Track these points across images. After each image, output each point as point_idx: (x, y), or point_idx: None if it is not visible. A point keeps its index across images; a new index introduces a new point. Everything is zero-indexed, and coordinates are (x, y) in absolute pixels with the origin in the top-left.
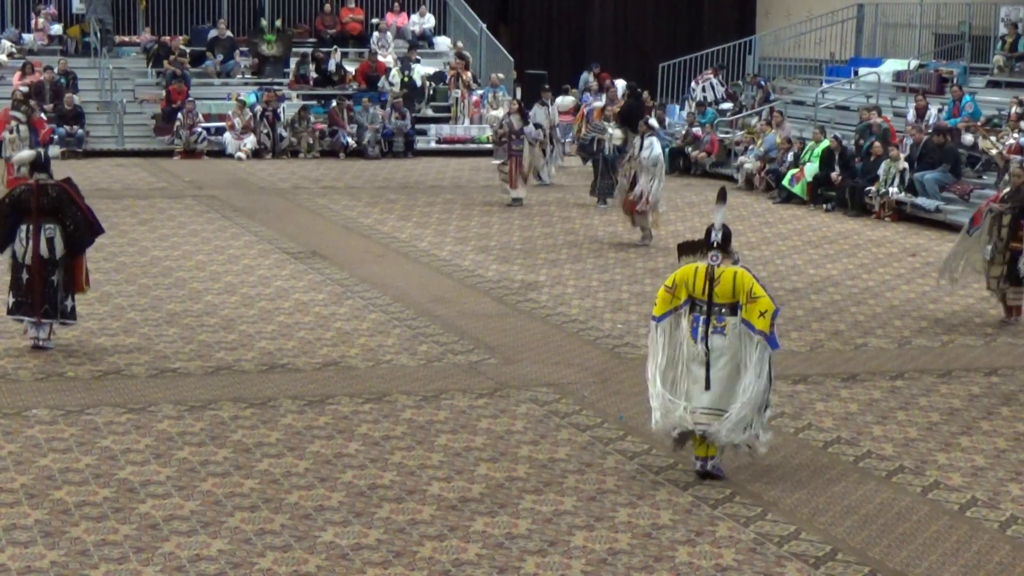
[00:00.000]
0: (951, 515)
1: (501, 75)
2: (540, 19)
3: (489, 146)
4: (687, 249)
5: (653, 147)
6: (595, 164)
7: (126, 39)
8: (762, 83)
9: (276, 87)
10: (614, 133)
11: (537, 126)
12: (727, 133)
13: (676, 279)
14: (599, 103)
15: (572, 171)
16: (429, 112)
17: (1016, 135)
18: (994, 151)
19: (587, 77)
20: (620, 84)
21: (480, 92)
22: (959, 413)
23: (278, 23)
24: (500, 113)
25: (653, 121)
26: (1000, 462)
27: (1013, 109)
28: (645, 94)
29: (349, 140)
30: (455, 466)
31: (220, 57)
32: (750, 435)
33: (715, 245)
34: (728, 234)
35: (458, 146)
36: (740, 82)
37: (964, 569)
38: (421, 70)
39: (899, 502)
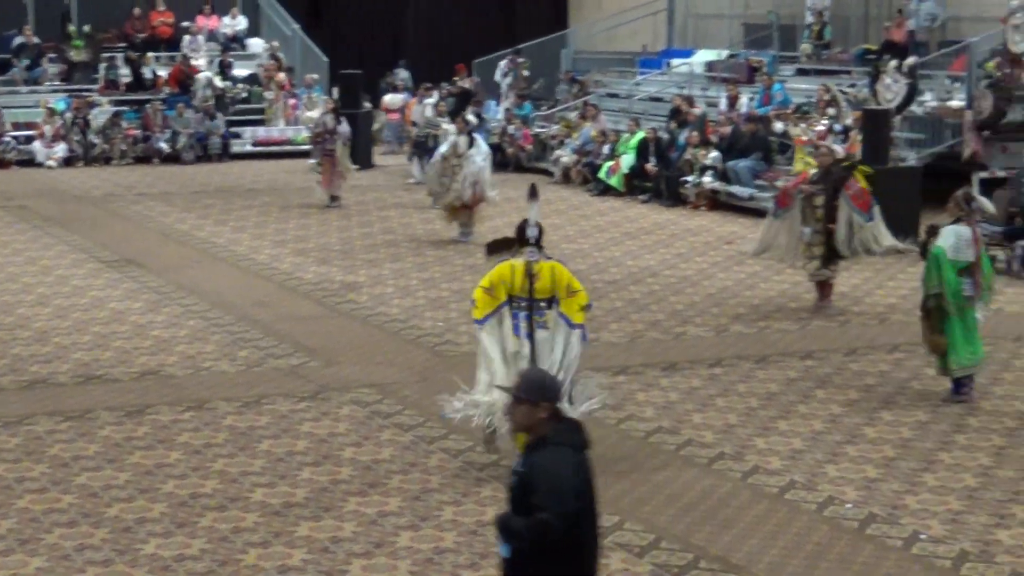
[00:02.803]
0: (771, 498)
1: (316, 76)
2: (354, 19)
3: (306, 147)
4: (497, 247)
5: (481, 145)
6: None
7: None
8: (576, 77)
9: (86, 93)
10: (448, 129)
11: (413, 123)
12: (543, 128)
13: (493, 279)
14: (431, 100)
15: (389, 170)
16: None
17: (825, 121)
18: (804, 138)
19: (405, 75)
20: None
21: (295, 93)
22: (776, 397)
23: (87, 28)
24: (316, 114)
25: (471, 116)
26: (817, 444)
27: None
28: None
29: (163, 145)
30: (278, 471)
31: (26, 64)
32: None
33: (532, 241)
34: (542, 229)
35: (274, 148)
36: (534, 77)
37: (785, 551)
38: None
39: (720, 488)
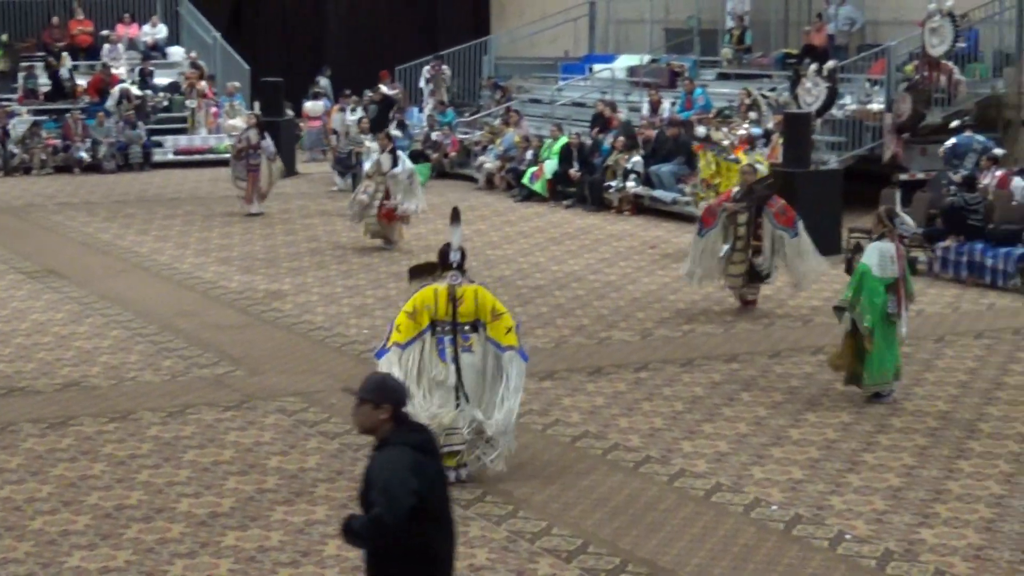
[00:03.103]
0: (697, 501)
1: (237, 84)
2: (275, 26)
3: (228, 156)
4: (419, 272)
5: (405, 161)
6: (354, 178)
7: None
8: (499, 83)
9: (5, 103)
10: (372, 147)
11: (334, 132)
12: (466, 134)
13: (416, 304)
14: (354, 116)
15: (313, 178)
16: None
17: (746, 126)
18: (726, 142)
19: (325, 82)
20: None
21: (216, 102)
22: (702, 401)
23: (4, 37)
24: (238, 122)
25: (394, 130)
26: (742, 447)
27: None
28: (391, 90)
29: (84, 155)
30: (204, 481)
31: None
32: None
33: (455, 266)
34: (465, 254)
35: (196, 157)
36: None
37: (711, 553)
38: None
39: (647, 492)
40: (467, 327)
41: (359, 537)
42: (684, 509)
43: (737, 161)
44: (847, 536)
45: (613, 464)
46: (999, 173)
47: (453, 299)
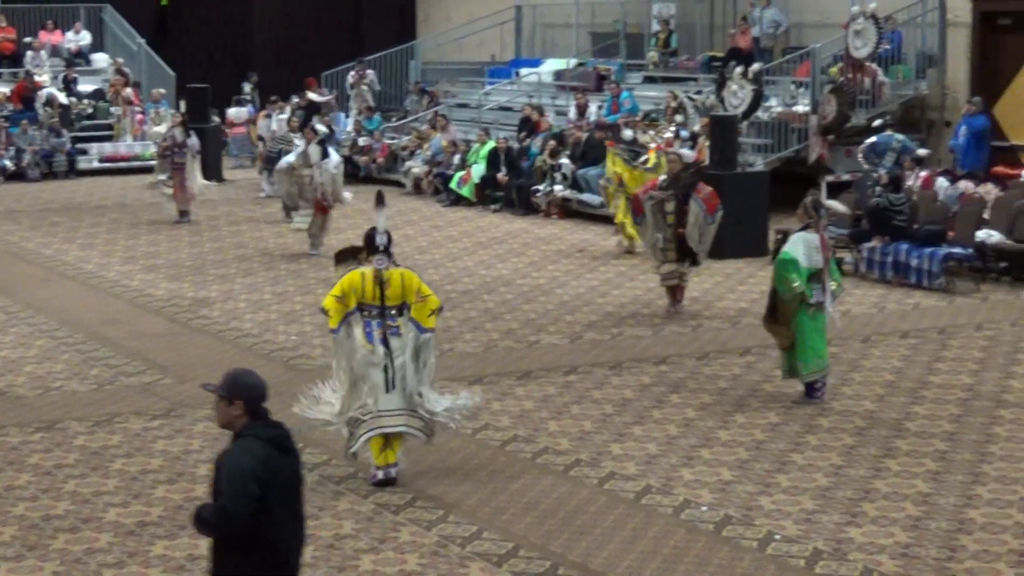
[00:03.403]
0: (627, 504)
1: (163, 90)
2: (201, 33)
3: (154, 163)
4: (345, 256)
5: (333, 154)
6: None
7: None
8: (425, 88)
9: None
10: (299, 143)
11: (260, 138)
12: (394, 139)
13: (344, 288)
14: (283, 115)
15: (239, 184)
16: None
17: (673, 128)
18: (653, 145)
19: (246, 88)
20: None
21: (143, 108)
22: (631, 403)
23: None
24: (164, 129)
25: (320, 126)
26: (672, 448)
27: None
28: (320, 96)
29: (7, 163)
30: (132, 491)
31: None
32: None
33: (382, 249)
34: (391, 236)
35: (122, 164)
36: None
37: (642, 556)
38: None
39: (577, 495)
40: (393, 310)
41: (206, 525)
42: (614, 511)
43: (650, 170)
44: (776, 536)
45: (543, 468)
46: (923, 174)
47: (380, 282)
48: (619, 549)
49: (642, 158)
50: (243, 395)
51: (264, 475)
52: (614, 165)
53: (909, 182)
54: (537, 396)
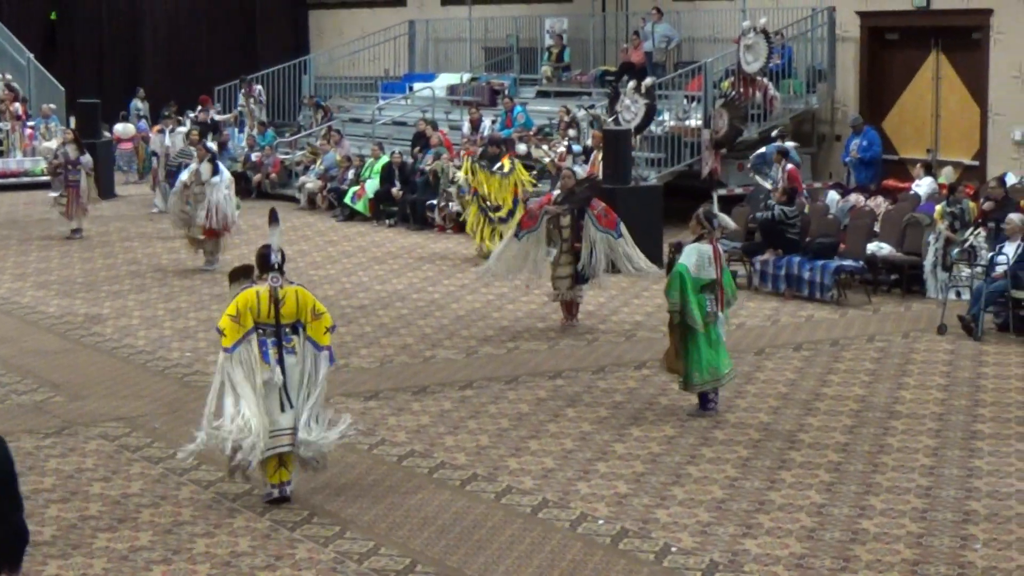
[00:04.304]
0: (524, 518)
1: (53, 106)
2: (91, 47)
3: (44, 178)
4: (239, 275)
5: (224, 172)
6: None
7: None
8: (319, 103)
9: None
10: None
11: (154, 154)
12: (287, 154)
13: (239, 306)
14: (183, 128)
15: (131, 200)
16: None
17: (566, 142)
18: (546, 159)
19: (137, 104)
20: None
21: (32, 123)
22: (527, 417)
23: None
24: (53, 144)
25: (212, 144)
26: (568, 462)
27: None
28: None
29: None
30: (24, 510)
31: None
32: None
33: (276, 267)
34: (284, 254)
35: (11, 180)
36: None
37: (539, 570)
38: None
39: (474, 509)
40: (288, 328)
41: None
42: (511, 526)
43: (507, 175)
44: (673, 548)
45: (440, 483)
46: (789, 167)
47: (275, 300)
48: (517, 563)
49: (496, 164)
50: None
51: None
52: (472, 175)
53: (777, 175)
54: (433, 411)
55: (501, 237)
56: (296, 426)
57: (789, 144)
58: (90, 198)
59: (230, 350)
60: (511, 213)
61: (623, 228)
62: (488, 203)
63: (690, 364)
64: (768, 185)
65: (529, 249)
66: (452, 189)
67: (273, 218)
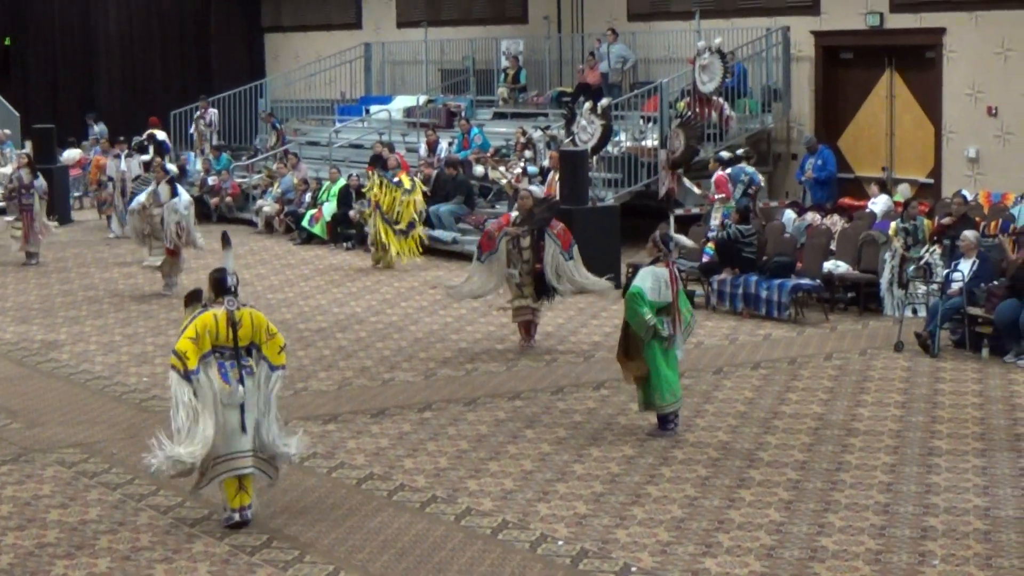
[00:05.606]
0: (484, 539)
1: (7, 131)
2: (46, 72)
3: (1, 204)
4: (193, 299)
5: (183, 194)
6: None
7: None
8: (276, 125)
9: None
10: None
11: (109, 179)
12: (244, 177)
13: (198, 329)
14: (145, 157)
15: (87, 225)
16: None
17: (523, 164)
18: (503, 180)
19: (102, 128)
20: None
21: None
22: (487, 439)
23: None
24: (8, 170)
25: (170, 165)
26: (528, 483)
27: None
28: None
29: None
30: None
31: None
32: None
33: (232, 290)
34: (238, 278)
35: None
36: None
37: None
38: None
39: (434, 532)
40: (245, 350)
41: None
42: (471, 548)
43: (399, 184)
44: (632, 568)
45: (399, 505)
46: (717, 174)
47: (232, 323)
48: None
49: (395, 179)
50: None
51: None
52: (374, 187)
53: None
54: (392, 433)
55: (417, 245)
56: (255, 447)
57: (749, 169)
58: (43, 223)
59: (195, 372)
60: (411, 225)
61: (575, 251)
62: (388, 215)
63: (660, 383)
64: (697, 191)
65: (494, 269)
66: (356, 204)
67: (226, 241)
